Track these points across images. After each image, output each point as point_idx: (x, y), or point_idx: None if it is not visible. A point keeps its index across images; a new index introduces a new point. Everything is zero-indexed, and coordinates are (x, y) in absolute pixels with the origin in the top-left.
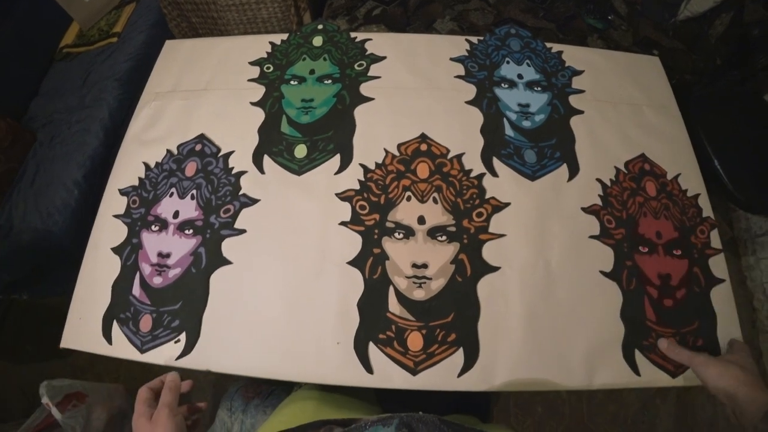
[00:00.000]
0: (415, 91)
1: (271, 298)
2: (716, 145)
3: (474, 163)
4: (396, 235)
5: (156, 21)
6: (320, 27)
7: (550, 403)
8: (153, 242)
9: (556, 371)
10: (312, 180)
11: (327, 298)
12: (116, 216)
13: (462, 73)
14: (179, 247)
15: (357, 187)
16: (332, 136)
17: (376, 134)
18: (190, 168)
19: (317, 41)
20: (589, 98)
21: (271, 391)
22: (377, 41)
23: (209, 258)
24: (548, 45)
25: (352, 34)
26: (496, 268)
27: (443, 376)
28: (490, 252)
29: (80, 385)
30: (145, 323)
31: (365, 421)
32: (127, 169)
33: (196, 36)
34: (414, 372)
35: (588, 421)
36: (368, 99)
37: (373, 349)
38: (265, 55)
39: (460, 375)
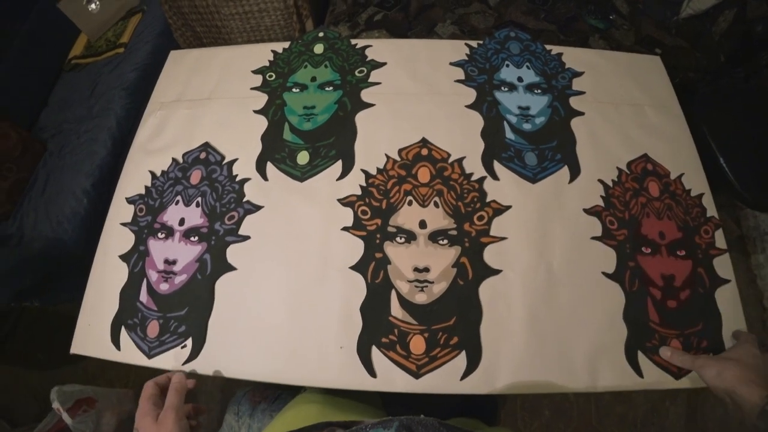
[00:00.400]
0: (416, 96)
1: (274, 303)
2: (721, 143)
3: (475, 167)
4: (398, 239)
5: (161, 31)
6: (321, 34)
7: (557, 405)
8: (159, 249)
9: (559, 374)
10: (314, 186)
11: (330, 303)
12: (123, 224)
13: (462, 77)
14: (185, 253)
15: (359, 192)
16: (334, 142)
17: (377, 140)
18: (195, 176)
19: (318, 49)
20: (590, 99)
21: (278, 396)
22: (377, 47)
23: (214, 264)
24: (548, 47)
25: (353, 41)
26: (497, 271)
27: (446, 379)
28: (491, 255)
29: (90, 390)
30: (153, 329)
31: (366, 424)
32: (134, 177)
33: (201, 45)
34: (417, 375)
35: (596, 424)
36: (369, 105)
37: (376, 353)
38: (268, 64)
39: (462, 378)
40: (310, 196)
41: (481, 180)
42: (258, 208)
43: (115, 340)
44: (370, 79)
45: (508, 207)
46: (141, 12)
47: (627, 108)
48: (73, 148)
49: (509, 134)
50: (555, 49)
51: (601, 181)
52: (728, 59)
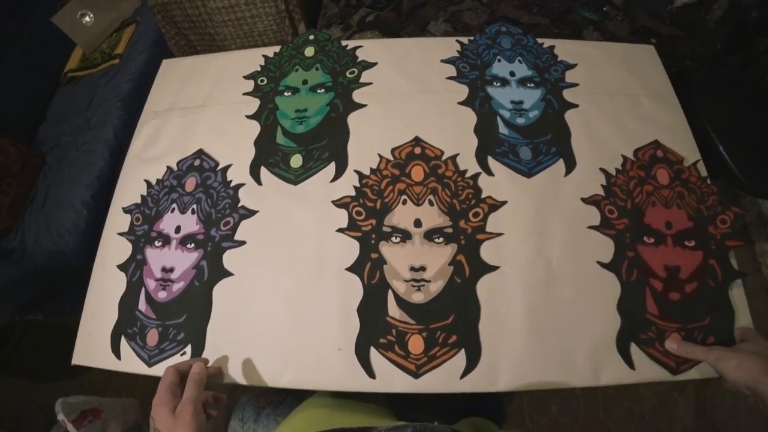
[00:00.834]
0: (408, 94)
1: (272, 307)
2: (720, 131)
3: (469, 164)
4: (393, 239)
5: (155, 41)
6: (312, 37)
7: (564, 400)
8: (156, 258)
9: (561, 370)
10: (308, 189)
11: (327, 305)
12: (121, 234)
13: (454, 74)
14: (182, 261)
15: (353, 193)
16: (327, 144)
17: (369, 140)
18: (190, 183)
19: (309, 51)
20: (584, 91)
21: (281, 400)
22: (368, 48)
23: (211, 270)
24: (540, 40)
25: (344, 42)
26: (494, 268)
27: (446, 378)
28: (488, 252)
29: (95, 401)
30: (152, 337)
31: (379, 430)
32: (130, 187)
33: (195, 53)
34: (416, 375)
35: (604, 417)
36: (361, 105)
37: (374, 354)
38: (259, 68)
39: (462, 377)
40: (304, 198)
41: (476, 176)
42: (253, 213)
43: (116, 350)
44: (362, 80)
45: (504, 202)
46: (135, 23)
47: (622, 98)
48: (71, 160)
49: (503, 129)
50: (547, 42)
51: (602, 169)
52: (724, 47)
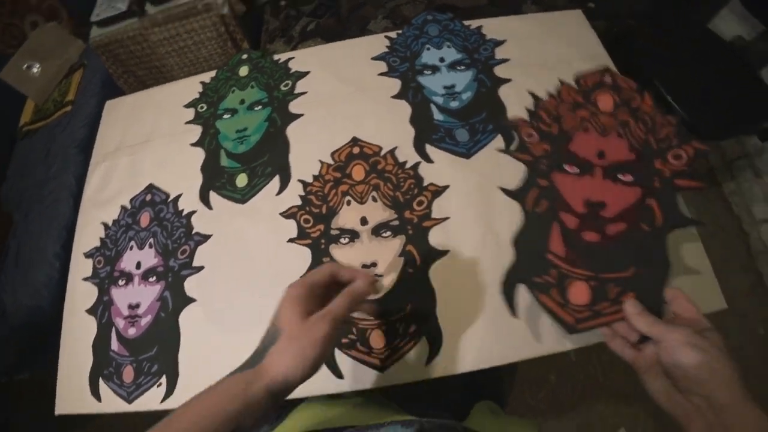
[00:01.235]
0: (342, 97)
1: (236, 325)
2: (666, 81)
3: (408, 155)
4: (342, 240)
5: (105, 82)
6: (244, 57)
7: (560, 370)
8: (122, 296)
9: (525, 340)
10: (256, 205)
11: None
12: (85, 279)
13: (385, 69)
14: (146, 295)
15: (299, 203)
16: (269, 159)
17: (309, 148)
18: (144, 218)
19: (243, 71)
20: (516, 65)
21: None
22: (300, 58)
23: (175, 300)
24: (467, 22)
25: (275, 56)
26: (445, 252)
27: (412, 367)
28: (436, 238)
29: None
30: (128, 374)
31: (385, 422)
32: (88, 232)
33: (145, 87)
34: (382, 369)
35: (603, 379)
36: (298, 116)
37: (338, 355)
38: (198, 96)
39: (428, 363)
40: (254, 215)
41: (416, 166)
42: (207, 237)
43: (95, 393)
44: (296, 90)
45: (446, 187)
46: (82, 67)
47: (555, 65)
48: (38, 213)
49: (437, 115)
50: (475, 23)
51: (531, 93)
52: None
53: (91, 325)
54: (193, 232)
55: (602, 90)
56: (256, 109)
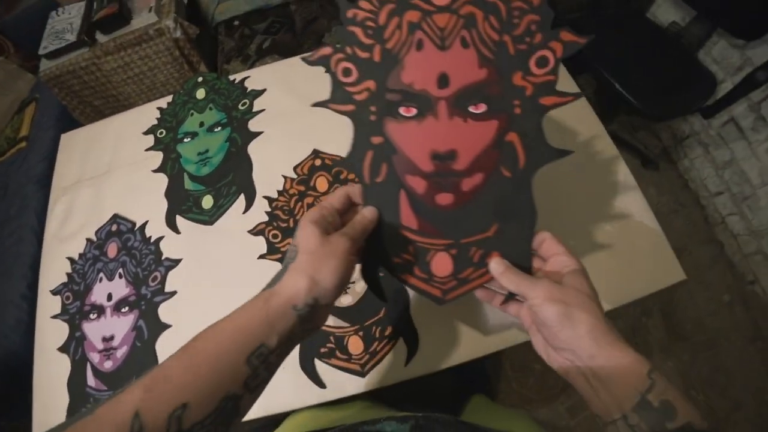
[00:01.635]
0: (300, 111)
1: None
2: (613, 70)
3: None
4: None
5: (60, 114)
6: (200, 79)
7: None
8: (95, 330)
9: (500, 330)
10: (224, 225)
11: None
12: (54, 316)
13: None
14: (120, 326)
15: (265, 219)
16: (233, 179)
17: (272, 164)
18: (112, 249)
19: (200, 94)
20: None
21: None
22: (255, 77)
23: (150, 327)
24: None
25: (231, 77)
26: None
27: (392, 369)
28: None
29: None
30: None
31: (381, 417)
32: (54, 268)
33: (103, 117)
34: (362, 374)
35: None
36: (258, 134)
37: (319, 365)
38: (156, 121)
39: (407, 363)
40: (222, 235)
41: None
42: (177, 261)
43: None
44: (254, 109)
45: None
46: (34, 101)
47: None
48: (0, 255)
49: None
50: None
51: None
52: None
53: (64, 364)
54: (163, 258)
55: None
56: (216, 130)
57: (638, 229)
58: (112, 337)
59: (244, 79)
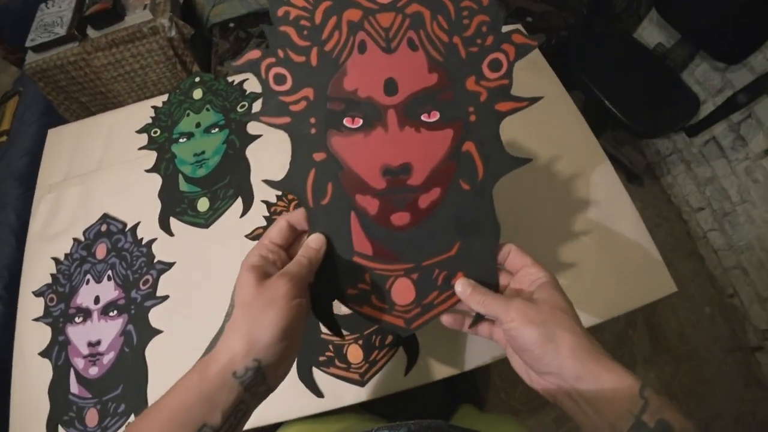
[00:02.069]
0: None
1: None
2: (602, 86)
3: None
4: None
5: (45, 110)
6: (197, 80)
7: None
8: (80, 334)
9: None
10: (220, 229)
11: None
12: (36, 319)
13: None
14: (107, 331)
15: (264, 223)
16: (230, 181)
17: (271, 168)
18: (101, 250)
19: (197, 94)
20: None
21: None
22: (254, 79)
23: (139, 333)
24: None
25: (230, 78)
26: None
27: (391, 378)
28: None
29: None
30: (92, 418)
31: (372, 428)
32: (37, 268)
33: (90, 114)
34: (362, 383)
35: None
36: (257, 136)
37: (317, 374)
38: (150, 120)
39: (406, 373)
40: (218, 239)
41: None
42: (170, 265)
43: None
44: (254, 111)
45: None
46: (17, 94)
47: None
48: None
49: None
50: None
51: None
52: (589, 12)
53: (45, 369)
54: (155, 261)
55: None
56: (213, 131)
57: (629, 241)
58: (98, 342)
59: (243, 81)
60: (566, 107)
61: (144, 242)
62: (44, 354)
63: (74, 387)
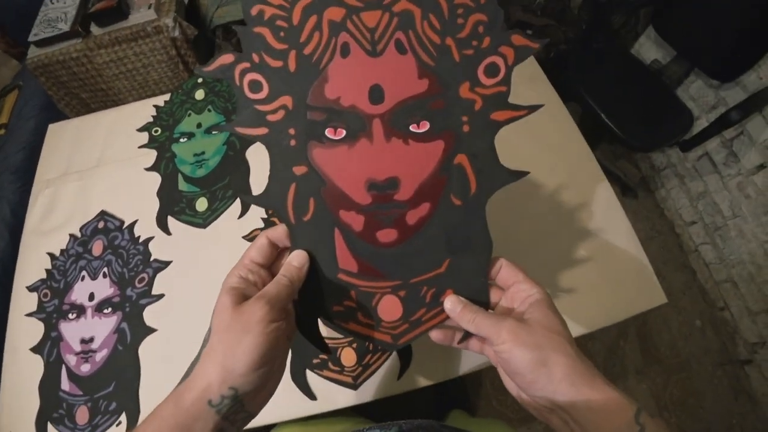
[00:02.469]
0: None
1: None
2: (599, 100)
3: None
4: None
5: (44, 105)
6: (200, 80)
7: None
8: (73, 330)
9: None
10: (218, 229)
11: None
12: (29, 314)
13: None
14: (101, 328)
15: (261, 225)
16: (229, 182)
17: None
18: (97, 247)
19: (199, 95)
20: None
21: None
22: None
23: (133, 331)
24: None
25: None
26: None
27: (384, 382)
28: None
29: None
30: (82, 415)
31: (363, 428)
32: (32, 263)
33: (90, 111)
34: (354, 387)
35: None
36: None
37: (311, 376)
38: (151, 119)
39: (399, 377)
40: (215, 240)
41: None
42: (167, 264)
43: None
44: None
45: None
46: (16, 88)
47: None
48: None
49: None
50: None
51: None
52: (588, 28)
53: (36, 365)
54: (152, 259)
55: None
56: (213, 132)
57: (622, 253)
58: (91, 339)
59: None
60: (563, 119)
61: (141, 240)
62: (36, 350)
63: (65, 384)
